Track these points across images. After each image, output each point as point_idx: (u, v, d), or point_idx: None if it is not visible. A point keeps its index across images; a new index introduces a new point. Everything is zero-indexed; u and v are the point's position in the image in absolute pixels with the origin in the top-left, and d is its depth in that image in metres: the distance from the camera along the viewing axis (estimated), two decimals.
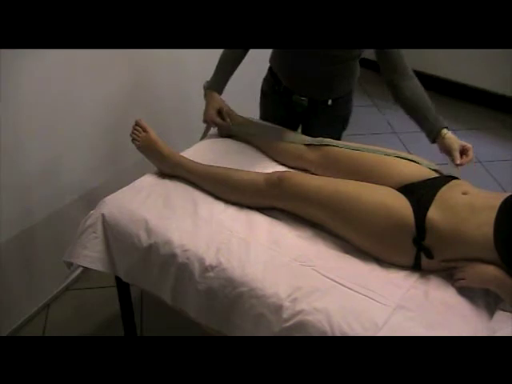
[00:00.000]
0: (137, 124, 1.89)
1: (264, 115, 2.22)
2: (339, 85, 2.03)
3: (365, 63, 4.18)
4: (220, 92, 2.03)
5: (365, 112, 3.76)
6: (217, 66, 2.02)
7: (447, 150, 1.74)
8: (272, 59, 2.11)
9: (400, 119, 3.59)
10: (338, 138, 2.10)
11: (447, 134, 1.75)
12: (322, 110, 2.06)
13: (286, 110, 2.11)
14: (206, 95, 2.03)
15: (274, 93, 2.12)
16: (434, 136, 1.77)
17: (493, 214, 1.42)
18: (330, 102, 2.04)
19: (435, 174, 1.65)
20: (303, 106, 2.06)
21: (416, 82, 1.84)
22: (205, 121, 2.04)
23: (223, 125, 2.02)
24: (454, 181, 1.60)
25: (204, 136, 2.10)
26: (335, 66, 1.94)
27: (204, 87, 2.04)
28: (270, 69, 2.13)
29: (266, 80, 2.16)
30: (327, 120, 2.09)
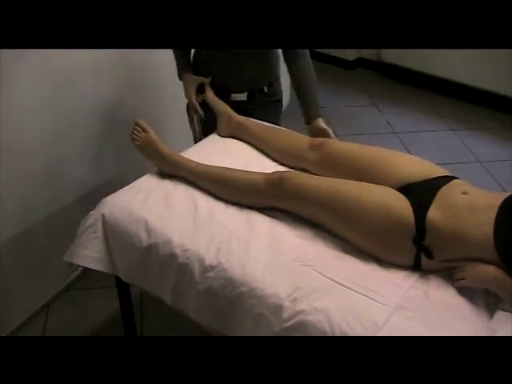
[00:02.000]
0: (136, 124, 1.88)
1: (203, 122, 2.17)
2: (272, 70, 2.13)
3: (365, 63, 4.22)
4: (192, 71, 2.06)
5: (365, 112, 3.75)
6: (176, 58, 2.08)
7: (320, 131, 1.94)
8: (204, 64, 2.09)
9: (400, 119, 3.63)
10: (279, 122, 2.22)
11: (320, 120, 1.97)
12: (260, 99, 2.14)
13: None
14: (184, 83, 2.06)
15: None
16: (309, 120, 1.99)
17: (493, 214, 1.42)
18: (266, 89, 2.13)
19: (436, 174, 1.65)
20: (242, 101, 2.11)
21: (308, 59, 2.02)
22: (187, 108, 2.06)
23: (197, 108, 2.02)
24: (454, 181, 1.60)
25: (192, 124, 2.11)
26: (268, 54, 2.06)
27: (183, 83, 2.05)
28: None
29: None
30: (266, 107, 2.17)
